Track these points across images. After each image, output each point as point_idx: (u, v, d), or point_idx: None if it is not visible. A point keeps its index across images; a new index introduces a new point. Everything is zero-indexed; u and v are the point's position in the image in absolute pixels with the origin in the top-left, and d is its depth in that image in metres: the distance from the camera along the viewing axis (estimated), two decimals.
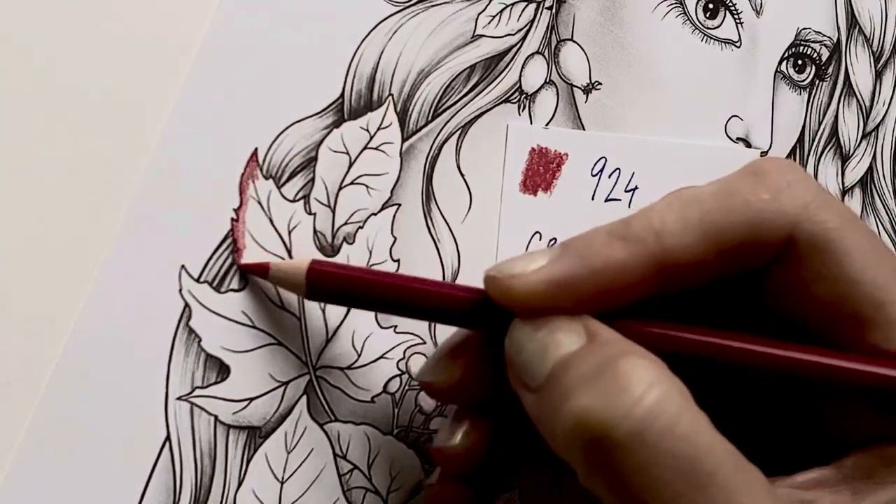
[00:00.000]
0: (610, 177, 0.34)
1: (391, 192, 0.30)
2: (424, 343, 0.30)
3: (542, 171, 0.33)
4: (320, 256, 0.29)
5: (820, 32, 0.38)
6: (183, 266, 0.27)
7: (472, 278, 0.31)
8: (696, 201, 0.25)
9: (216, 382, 0.27)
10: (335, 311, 0.29)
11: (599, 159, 0.34)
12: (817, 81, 0.38)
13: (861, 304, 0.25)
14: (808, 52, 0.38)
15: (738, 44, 0.36)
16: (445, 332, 0.30)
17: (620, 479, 0.22)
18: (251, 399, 0.28)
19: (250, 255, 0.28)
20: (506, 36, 0.32)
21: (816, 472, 0.25)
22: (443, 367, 0.28)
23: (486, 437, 0.28)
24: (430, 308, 0.26)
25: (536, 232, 0.32)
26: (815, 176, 0.38)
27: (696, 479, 0.21)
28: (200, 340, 0.27)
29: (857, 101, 0.40)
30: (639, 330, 0.25)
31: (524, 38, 0.33)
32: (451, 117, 0.31)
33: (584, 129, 0.34)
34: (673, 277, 0.25)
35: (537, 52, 0.33)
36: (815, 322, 0.26)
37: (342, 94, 0.29)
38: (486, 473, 0.28)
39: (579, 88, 0.34)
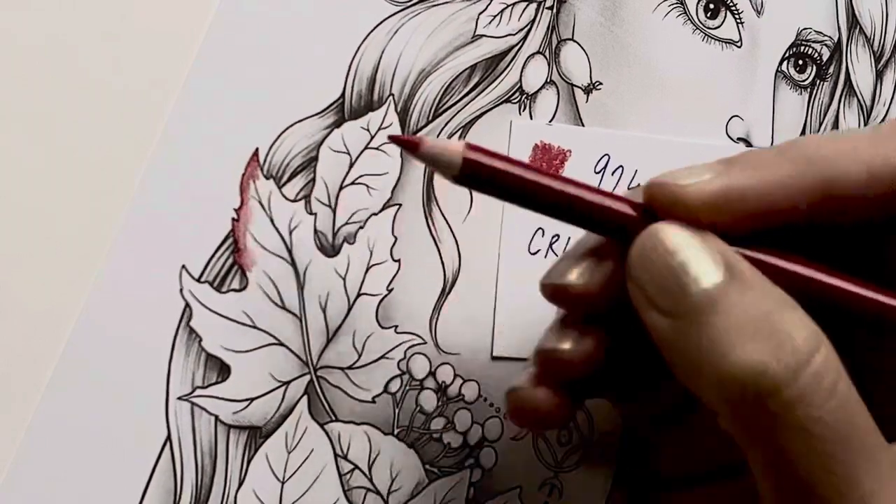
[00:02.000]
0: (613, 174, 0.34)
1: (392, 192, 0.30)
2: (425, 343, 0.30)
3: (545, 168, 0.33)
4: (321, 256, 0.29)
5: (821, 32, 0.38)
6: (183, 266, 0.27)
7: (472, 278, 0.31)
8: (862, 136, 0.25)
9: (217, 382, 0.27)
10: (336, 311, 0.29)
11: (602, 156, 0.34)
12: (818, 81, 0.38)
13: None
14: (809, 52, 0.38)
15: (738, 44, 0.36)
16: (445, 332, 0.31)
17: (774, 435, 0.22)
18: (252, 399, 0.28)
19: (250, 256, 0.28)
20: (506, 36, 0.32)
21: None
22: (584, 269, 0.26)
23: (597, 348, 0.27)
24: (579, 213, 0.25)
25: (539, 228, 0.32)
26: None
27: (852, 442, 0.22)
28: (201, 340, 0.27)
29: (858, 101, 0.40)
30: (777, 268, 0.24)
31: (525, 37, 0.33)
32: (452, 117, 0.31)
33: None
34: (834, 208, 0.25)
35: (538, 52, 0.33)
36: None
37: (343, 94, 0.29)
38: (588, 386, 0.28)
39: (580, 88, 0.34)
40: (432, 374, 0.31)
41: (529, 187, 0.25)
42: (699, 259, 0.24)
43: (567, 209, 0.25)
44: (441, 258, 0.31)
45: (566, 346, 0.26)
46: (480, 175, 0.25)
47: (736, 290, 0.23)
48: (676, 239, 0.24)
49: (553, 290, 0.27)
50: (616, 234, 0.25)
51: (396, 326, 0.30)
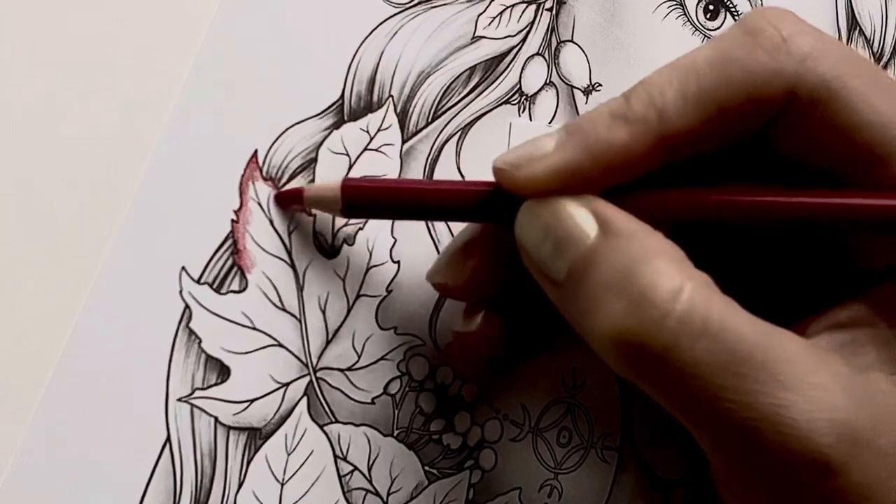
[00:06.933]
0: None
1: None
2: (424, 344, 0.30)
3: None
4: (320, 258, 0.29)
5: None
6: (183, 267, 0.27)
7: None
8: (693, 73, 0.25)
9: (216, 384, 0.27)
10: (335, 313, 0.29)
11: None
12: None
13: (871, 146, 0.25)
14: None
15: None
16: (444, 334, 0.31)
17: (659, 381, 0.23)
18: (251, 400, 0.28)
19: (250, 257, 0.28)
20: (506, 37, 0.32)
21: (849, 309, 0.25)
22: (452, 267, 0.28)
23: (501, 329, 0.28)
24: (447, 206, 0.27)
25: None
26: None
27: (736, 367, 0.22)
28: (201, 342, 0.27)
29: None
30: (649, 202, 0.25)
31: (524, 39, 0.33)
32: (452, 118, 0.31)
33: None
34: (676, 149, 0.25)
35: (537, 54, 0.33)
36: (827, 168, 0.26)
37: (342, 96, 0.29)
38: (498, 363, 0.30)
39: (579, 90, 0.34)
40: (432, 375, 0.31)
41: (404, 196, 0.27)
42: (570, 225, 0.24)
43: (435, 207, 0.27)
44: None
45: (471, 327, 0.28)
46: (361, 201, 0.27)
47: (606, 247, 0.23)
48: (545, 213, 0.25)
49: (434, 288, 0.29)
50: (486, 217, 0.27)
51: (396, 328, 0.30)
